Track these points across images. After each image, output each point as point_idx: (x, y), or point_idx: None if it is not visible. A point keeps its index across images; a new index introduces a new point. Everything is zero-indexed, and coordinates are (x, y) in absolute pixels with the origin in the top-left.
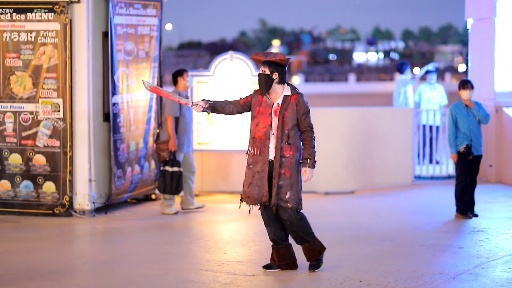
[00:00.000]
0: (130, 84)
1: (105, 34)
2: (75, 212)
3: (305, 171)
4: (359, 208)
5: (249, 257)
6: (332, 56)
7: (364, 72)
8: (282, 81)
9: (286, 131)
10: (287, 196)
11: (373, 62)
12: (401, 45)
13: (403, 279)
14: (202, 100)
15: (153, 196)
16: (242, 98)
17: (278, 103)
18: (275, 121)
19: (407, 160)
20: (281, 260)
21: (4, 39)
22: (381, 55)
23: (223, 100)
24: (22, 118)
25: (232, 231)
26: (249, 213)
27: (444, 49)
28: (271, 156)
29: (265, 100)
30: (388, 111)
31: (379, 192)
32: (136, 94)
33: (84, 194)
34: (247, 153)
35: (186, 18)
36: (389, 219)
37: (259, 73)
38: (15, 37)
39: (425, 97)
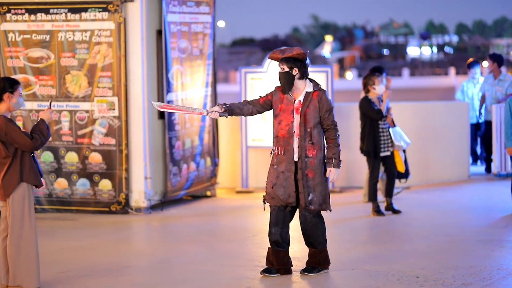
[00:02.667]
0: (184, 81)
1: (159, 32)
2: (131, 209)
3: (330, 171)
4: (415, 203)
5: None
6: (385, 51)
7: (418, 67)
8: (303, 76)
9: (309, 129)
10: (309, 198)
11: (427, 56)
12: (455, 39)
13: (460, 275)
14: (217, 105)
15: (209, 193)
16: (261, 96)
17: (300, 100)
18: (297, 119)
19: (463, 155)
20: (280, 263)
21: (59, 39)
22: (435, 49)
23: (242, 101)
24: (77, 117)
25: None
26: (264, 209)
27: (499, 42)
28: (296, 155)
29: (287, 97)
30: (444, 106)
31: (436, 187)
32: (191, 91)
33: (140, 191)
34: (271, 153)
35: (239, 15)
36: (445, 215)
37: (279, 72)
38: (70, 37)
39: (469, 93)
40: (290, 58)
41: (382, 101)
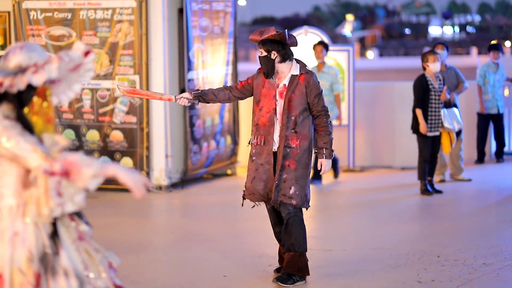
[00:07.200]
0: (205, 60)
1: (180, 11)
2: (152, 187)
3: (321, 163)
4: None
5: (325, 232)
6: (407, 30)
7: None
8: (285, 58)
9: (293, 117)
10: (291, 192)
11: (449, 36)
12: (477, 18)
13: (481, 254)
14: (188, 91)
15: (229, 172)
16: (241, 81)
17: (285, 84)
18: (280, 105)
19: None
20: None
21: (80, 17)
22: (457, 28)
23: (221, 86)
24: (99, 95)
25: None
26: (254, 206)
27: None
28: (275, 145)
29: (269, 80)
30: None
31: None
32: (212, 70)
33: (160, 169)
34: (249, 143)
35: None
36: (466, 194)
37: (258, 56)
38: (92, 15)
39: (491, 80)
40: (267, 41)
41: (439, 79)
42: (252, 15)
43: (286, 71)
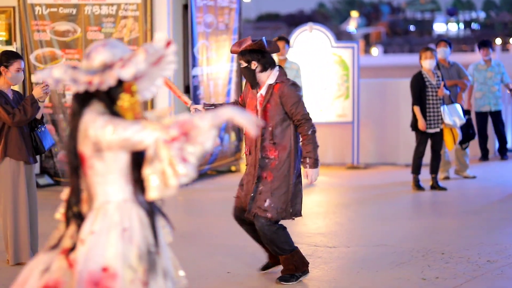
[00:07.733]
0: (209, 56)
1: (185, 7)
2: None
3: (307, 173)
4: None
5: (329, 228)
6: (411, 27)
7: None
8: (266, 67)
9: (270, 128)
10: (265, 204)
11: (453, 33)
12: (482, 15)
13: (486, 252)
14: (203, 103)
15: (233, 168)
16: (241, 94)
17: (262, 94)
18: (260, 115)
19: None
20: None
21: (85, 12)
22: (462, 25)
23: (234, 101)
24: None
25: (312, 203)
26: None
27: None
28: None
29: (252, 90)
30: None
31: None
32: (216, 66)
33: None
34: (244, 153)
35: None
36: (471, 192)
37: (241, 68)
38: (97, 11)
39: (481, 78)
40: (246, 51)
41: (437, 75)
42: (256, 12)
43: (265, 80)
